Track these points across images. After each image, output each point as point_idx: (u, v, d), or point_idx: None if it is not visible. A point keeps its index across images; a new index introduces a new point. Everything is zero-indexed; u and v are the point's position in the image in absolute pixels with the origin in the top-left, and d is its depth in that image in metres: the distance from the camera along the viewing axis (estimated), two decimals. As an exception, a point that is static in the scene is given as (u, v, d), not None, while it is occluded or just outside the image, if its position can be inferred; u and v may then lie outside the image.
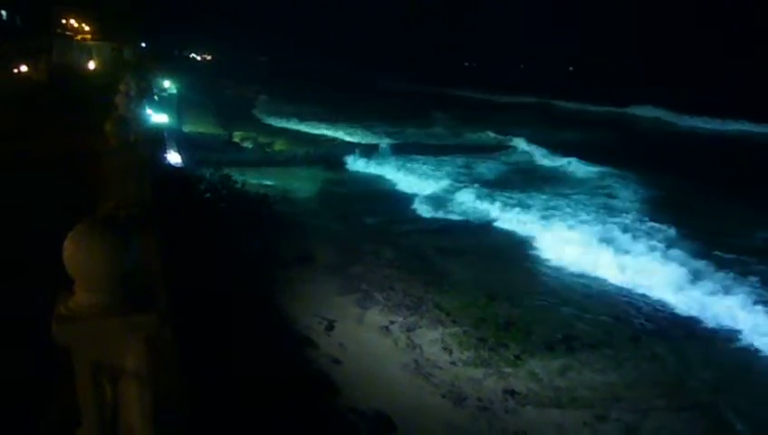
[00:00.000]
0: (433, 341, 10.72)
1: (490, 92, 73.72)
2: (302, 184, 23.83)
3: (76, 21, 54.84)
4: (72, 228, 1.99)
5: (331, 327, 11.16)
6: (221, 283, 11.29)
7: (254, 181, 23.14)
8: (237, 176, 19.96)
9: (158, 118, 21.80)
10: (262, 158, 28.98)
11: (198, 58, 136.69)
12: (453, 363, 10.02)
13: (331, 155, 29.75)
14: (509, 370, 9.83)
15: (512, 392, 9.18)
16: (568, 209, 20.19)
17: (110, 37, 55.67)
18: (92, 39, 55.51)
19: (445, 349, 10.47)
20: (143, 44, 74.68)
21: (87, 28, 56.93)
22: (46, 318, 1.99)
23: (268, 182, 23.50)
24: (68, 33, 52.85)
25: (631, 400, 9.12)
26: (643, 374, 9.87)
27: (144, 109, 15.47)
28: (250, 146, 33.24)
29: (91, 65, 42.31)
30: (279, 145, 34.25)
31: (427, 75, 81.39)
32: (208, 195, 20.19)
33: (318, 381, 9.30)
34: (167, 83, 40.68)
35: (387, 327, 11.25)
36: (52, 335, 1.94)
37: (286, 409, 8.39)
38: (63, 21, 52.53)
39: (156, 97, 30.24)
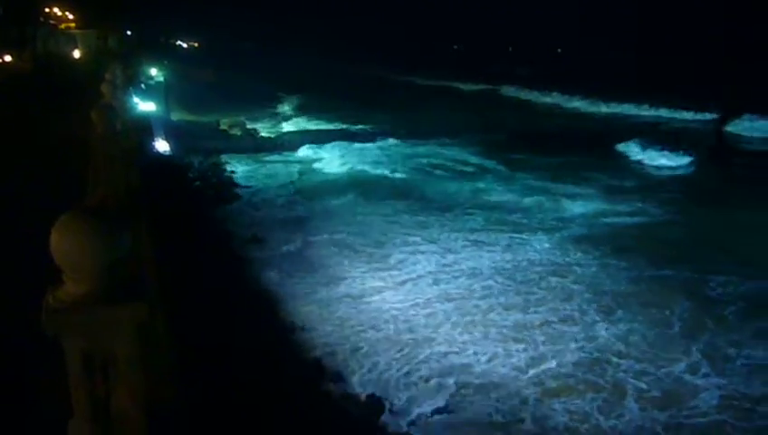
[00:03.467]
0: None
1: (452, 78, 70.97)
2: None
3: (60, 9, 54.18)
4: (59, 218, 1.97)
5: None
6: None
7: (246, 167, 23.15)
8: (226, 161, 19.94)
9: (145, 106, 21.62)
10: (250, 145, 28.94)
11: (185, 45, 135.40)
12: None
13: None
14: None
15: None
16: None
17: (95, 25, 55.07)
18: (77, 27, 54.90)
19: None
20: (129, 32, 73.92)
21: (71, 17, 56.27)
22: (35, 309, 1.98)
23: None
24: (51, 21, 52.22)
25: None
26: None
27: (131, 97, 15.35)
28: (239, 133, 33.12)
29: (77, 54, 41.86)
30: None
31: (407, 61, 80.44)
32: (198, 183, 20.18)
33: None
34: (153, 71, 40.32)
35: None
36: (42, 326, 1.93)
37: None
38: (47, 10, 51.89)
39: (143, 85, 29.97)
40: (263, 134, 33.23)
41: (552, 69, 66.13)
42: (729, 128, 34.47)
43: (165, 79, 42.83)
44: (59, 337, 1.98)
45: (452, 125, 35.22)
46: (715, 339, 10.27)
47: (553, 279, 12.86)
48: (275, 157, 25.97)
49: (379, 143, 29.21)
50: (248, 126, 35.81)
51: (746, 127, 33.57)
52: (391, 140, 29.75)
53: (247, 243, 14.89)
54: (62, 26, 54.11)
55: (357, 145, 28.43)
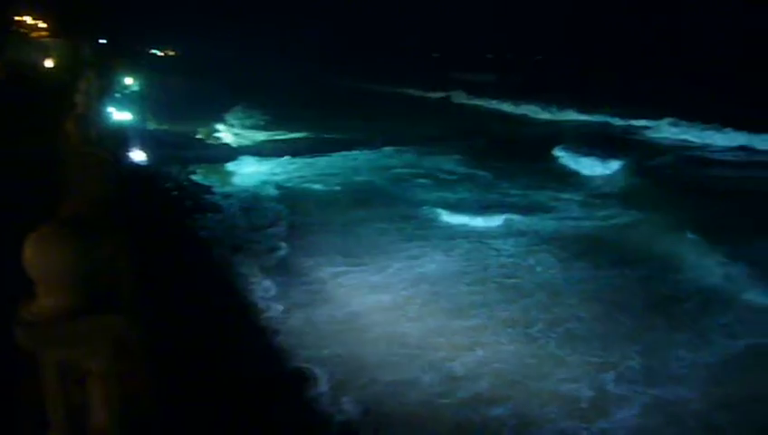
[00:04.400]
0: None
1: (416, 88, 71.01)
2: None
3: (31, 18, 53.42)
4: (33, 231, 1.96)
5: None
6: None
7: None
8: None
9: (120, 116, 21.40)
10: (227, 154, 28.82)
11: (161, 54, 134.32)
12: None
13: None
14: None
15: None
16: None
17: (68, 34, 54.37)
18: (49, 36, 54.17)
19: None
20: (103, 41, 73.09)
21: (43, 25, 55.53)
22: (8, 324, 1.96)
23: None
24: (23, 30, 51.48)
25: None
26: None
27: (105, 107, 15.20)
28: (216, 142, 32.97)
29: (49, 63, 41.32)
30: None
31: (383, 69, 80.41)
32: (176, 193, 20.05)
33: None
34: (129, 80, 39.97)
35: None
36: (17, 341, 1.91)
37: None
38: (18, 18, 51.13)
39: (118, 94, 29.69)
40: (240, 143, 33.11)
41: (515, 77, 66.88)
42: (653, 133, 35.74)
43: (140, 88, 42.47)
44: (34, 351, 1.96)
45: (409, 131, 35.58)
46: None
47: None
48: (254, 166, 25.90)
49: (350, 152, 29.10)
50: (225, 134, 35.67)
51: (669, 131, 35.57)
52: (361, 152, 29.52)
53: (227, 251, 14.83)
54: (34, 35, 53.35)
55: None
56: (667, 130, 35.88)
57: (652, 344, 10.20)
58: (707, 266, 13.50)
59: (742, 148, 29.87)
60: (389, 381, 9.23)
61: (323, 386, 9.03)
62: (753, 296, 11.86)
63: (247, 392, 8.44)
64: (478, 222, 17.10)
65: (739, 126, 31.62)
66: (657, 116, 38.10)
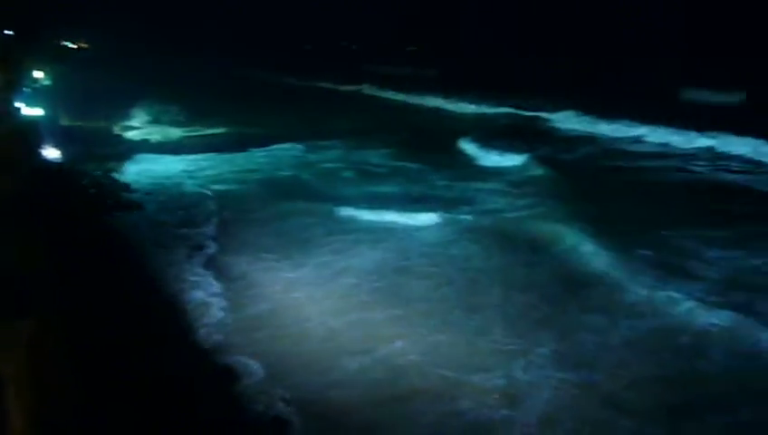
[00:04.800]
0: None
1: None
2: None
3: (-72, 8, 49.90)
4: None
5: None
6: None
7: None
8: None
9: (30, 111, 20.39)
10: (145, 150, 27.99)
11: (74, 46, 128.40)
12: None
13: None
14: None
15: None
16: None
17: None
18: (-51, 28, 50.73)
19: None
20: (9, 32, 69.06)
21: (-59, 16, 51.94)
22: None
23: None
24: None
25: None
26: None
27: (13, 102, 14.46)
28: (133, 138, 31.89)
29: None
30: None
31: (298, 62, 79.21)
32: (93, 190, 19.35)
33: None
34: (39, 74, 38.04)
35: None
36: None
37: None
38: None
39: (27, 89, 28.25)
40: (159, 139, 32.08)
41: (433, 70, 67.25)
42: (558, 124, 36.59)
43: (52, 82, 40.51)
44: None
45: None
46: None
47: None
48: (174, 162, 25.19)
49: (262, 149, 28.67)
50: (143, 130, 34.53)
51: (572, 121, 36.23)
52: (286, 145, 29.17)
53: (150, 249, 14.43)
54: (-68, 27, 49.80)
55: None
56: (574, 121, 36.14)
57: (562, 330, 10.59)
58: (602, 255, 13.99)
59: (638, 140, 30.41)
60: (306, 377, 9.22)
61: (249, 379, 8.98)
62: (651, 282, 12.44)
63: (168, 389, 8.28)
64: (397, 215, 17.12)
65: (642, 118, 32.42)
66: (565, 107, 38.56)
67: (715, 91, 38.31)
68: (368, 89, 60.37)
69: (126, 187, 20.31)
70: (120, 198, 18.97)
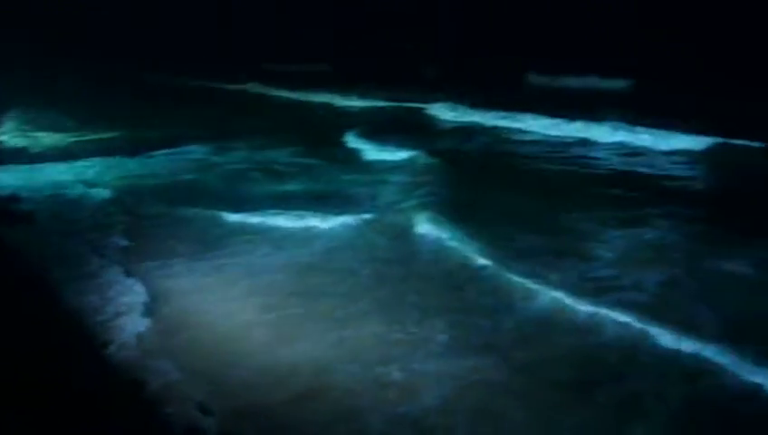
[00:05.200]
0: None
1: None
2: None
3: None
4: None
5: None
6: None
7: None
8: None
9: None
10: (28, 157, 26.56)
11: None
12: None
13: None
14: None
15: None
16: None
17: None
18: None
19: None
20: None
21: None
22: None
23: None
24: None
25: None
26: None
27: None
28: (13, 144, 29.93)
29: None
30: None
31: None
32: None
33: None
34: None
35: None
36: None
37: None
38: None
39: None
40: (43, 143, 30.24)
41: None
42: (431, 112, 37.28)
43: None
44: None
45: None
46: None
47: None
48: (64, 169, 23.91)
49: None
50: (20, 138, 32.40)
51: (442, 112, 36.71)
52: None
53: (46, 262, 13.93)
54: None
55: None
56: (449, 113, 36.21)
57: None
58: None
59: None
60: (208, 381, 9.39)
61: (153, 386, 9.08)
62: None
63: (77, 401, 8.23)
64: (295, 215, 17.05)
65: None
66: (436, 99, 38.75)
67: (601, 78, 39.13)
68: (256, 87, 59.20)
69: (13, 198, 19.31)
70: (7, 210, 18.06)
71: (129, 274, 13.27)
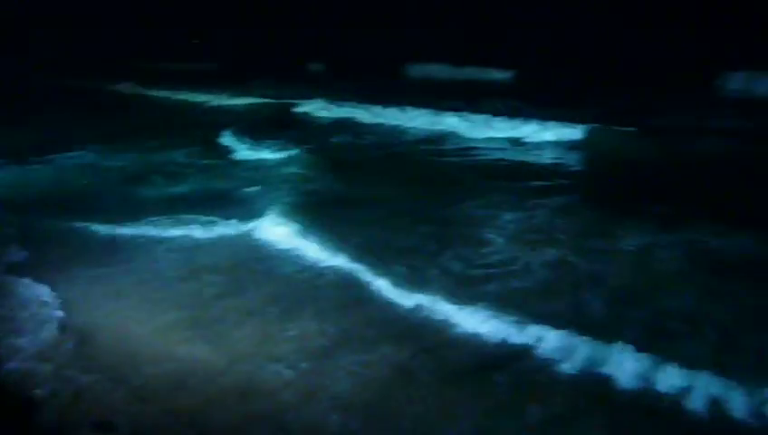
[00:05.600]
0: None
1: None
2: None
3: None
4: None
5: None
6: None
7: None
8: None
9: None
10: None
11: None
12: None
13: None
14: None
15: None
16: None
17: None
18: None
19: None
20: None
21: None
22: None
23: None
24: None
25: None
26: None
27: None
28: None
29: None
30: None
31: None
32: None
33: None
34: None
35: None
36: None
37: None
38: None
39: None
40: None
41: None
42: (299, 109, 37.24)
43: None
44: None
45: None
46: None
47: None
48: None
49: None
50: None
51: (315, 107, 34.84)
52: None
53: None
54: None
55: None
56: (324, 110, 34.34)
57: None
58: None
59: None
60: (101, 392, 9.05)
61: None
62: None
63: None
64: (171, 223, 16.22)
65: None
66: (312, 96, 37.00)
67: (484, 68, 39.25)
68: (132, 87, 55.49)
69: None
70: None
71: (13, 285, 12.49)
